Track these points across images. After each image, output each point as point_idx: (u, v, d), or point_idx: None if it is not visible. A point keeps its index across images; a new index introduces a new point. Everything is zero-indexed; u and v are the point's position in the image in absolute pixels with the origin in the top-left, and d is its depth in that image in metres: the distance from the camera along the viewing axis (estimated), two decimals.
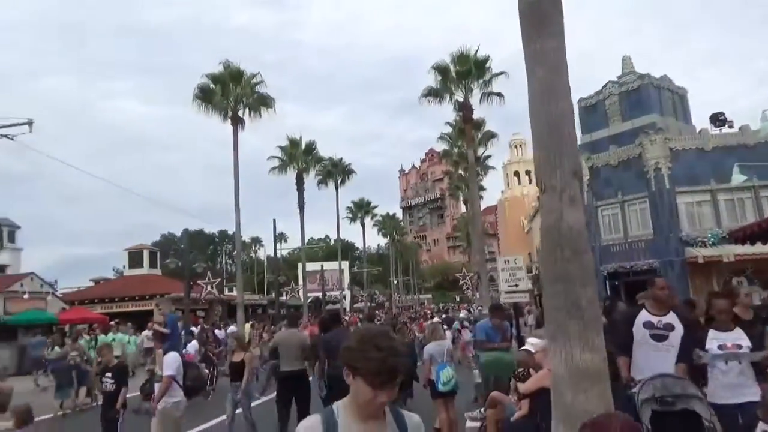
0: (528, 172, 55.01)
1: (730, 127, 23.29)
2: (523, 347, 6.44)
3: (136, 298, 30.51)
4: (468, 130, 26.82)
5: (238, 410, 8.29)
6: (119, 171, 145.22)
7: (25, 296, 27.98)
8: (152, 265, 36.00)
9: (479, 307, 25.71)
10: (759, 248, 13.06)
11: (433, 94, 26.13)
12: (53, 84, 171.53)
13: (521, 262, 9.94)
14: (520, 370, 6.27)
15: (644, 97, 24.80)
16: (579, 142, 19.11)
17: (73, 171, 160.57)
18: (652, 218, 22.21)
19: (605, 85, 26.26)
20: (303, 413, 7.61)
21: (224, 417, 8.64)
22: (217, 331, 21.01)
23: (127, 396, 7.25)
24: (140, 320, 23.92)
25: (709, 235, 21.19)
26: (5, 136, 12.07)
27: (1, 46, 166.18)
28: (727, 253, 19.59)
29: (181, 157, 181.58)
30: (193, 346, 15.56)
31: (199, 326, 21.86)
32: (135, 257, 35.90)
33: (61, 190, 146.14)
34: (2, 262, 40.99)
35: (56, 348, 16.37)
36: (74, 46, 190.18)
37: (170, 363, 6.82)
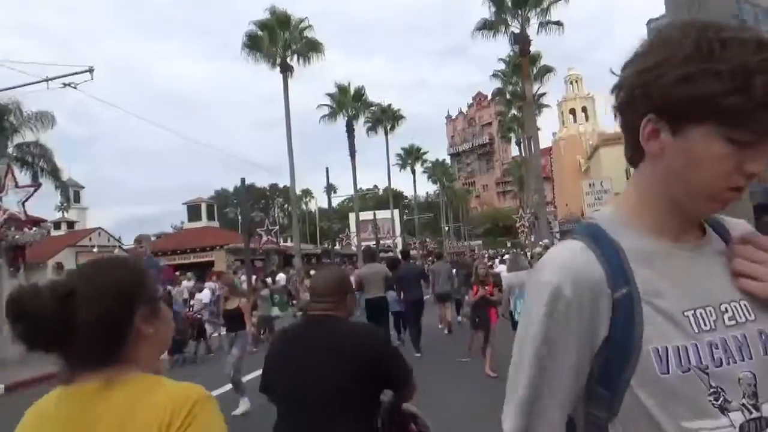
0: (584, 109, 52.76)
1: None
2: None
3: (197, 249, 31.33)
4: (525, 64, 25.60)
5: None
6: (172, 128, 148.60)
7: (95, 250, 29.24)
8: (210, 218, 36.80)
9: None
10: None
11: (487, 26, 24.91)
12: (110, 46, 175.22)
13: (608, 184, 9.23)
14: None
15: None
16: None
17: (129, 130, 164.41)
18: None
19: None
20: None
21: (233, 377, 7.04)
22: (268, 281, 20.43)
23: None
24: (200, 271, 24.52)
25: None
26: (69, 84, 12.07)
27: (63, 8, 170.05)
28: None
29: (230, 113, 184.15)
30: (205, 295, 13.97)
31: (255, 277, 21.33)
32: (193, 211, 36.75)
33: (120, 148, 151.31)
34: (70, 219, 42.96)
35: None
36: (124, 6, 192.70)
37: None
